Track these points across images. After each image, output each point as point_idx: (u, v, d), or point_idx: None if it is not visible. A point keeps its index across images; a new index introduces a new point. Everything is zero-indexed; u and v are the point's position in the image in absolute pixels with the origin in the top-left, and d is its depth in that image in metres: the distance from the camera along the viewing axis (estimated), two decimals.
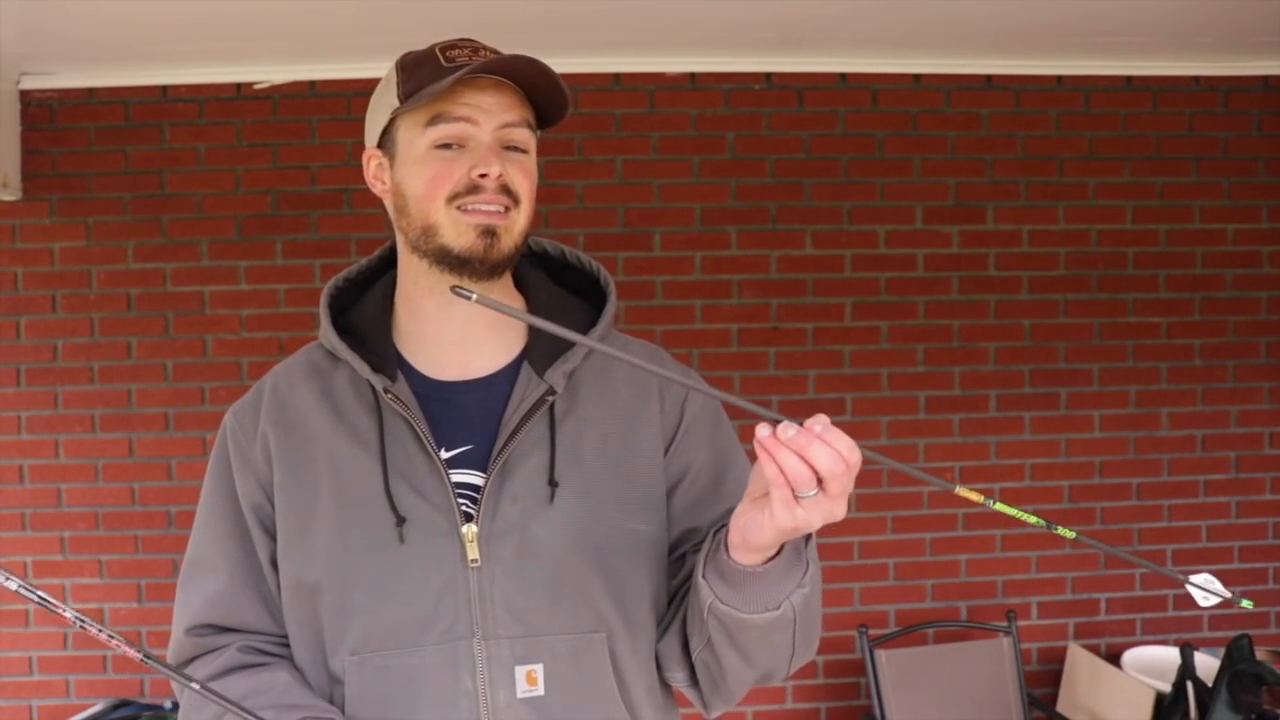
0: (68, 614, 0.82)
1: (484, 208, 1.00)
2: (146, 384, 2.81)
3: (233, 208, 2.80)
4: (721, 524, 1.00)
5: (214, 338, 2.81)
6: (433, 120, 1.01)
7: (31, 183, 2.77)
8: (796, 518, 0.82)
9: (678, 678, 1.09)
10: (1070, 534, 0.87)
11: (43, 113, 2.77)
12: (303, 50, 2.66)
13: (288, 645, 1.08)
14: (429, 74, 1.00)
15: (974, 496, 0.84)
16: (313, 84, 2.79)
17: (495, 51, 1.02)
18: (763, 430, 0.81)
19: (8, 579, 0.78)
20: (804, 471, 0.79)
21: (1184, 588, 0.88)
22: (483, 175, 0.99)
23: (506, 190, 1.01)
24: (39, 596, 0.80)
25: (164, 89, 2.79)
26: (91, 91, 2.78)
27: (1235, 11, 2.47)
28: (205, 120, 2.80)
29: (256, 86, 2.79)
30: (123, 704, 2.70)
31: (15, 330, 2.79)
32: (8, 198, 2.74)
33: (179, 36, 2.50)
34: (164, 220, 2.80)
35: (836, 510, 0.82)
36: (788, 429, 0.79)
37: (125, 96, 2.78)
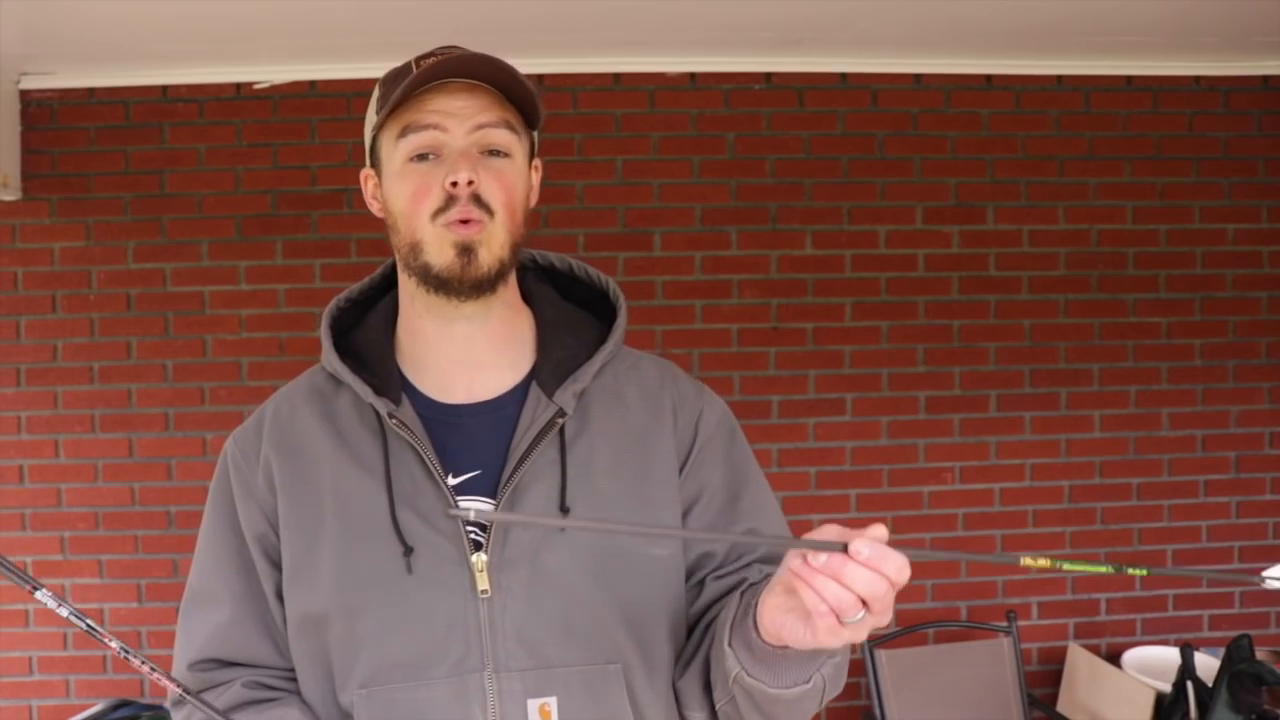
0: (113, 644, 0.81)
1: (460, 218, 0.96)
2: (146, 384, 2.81)
3: (233, 208, 2.80)
4: (749, 584, 0.96)
5: (214, 338, 2.81)
6: (403, 132, 0.98)
7: (31, 183, 2.77)
8: (842, 638, 0.78)
9: (697, 718, 1.04)
10: (1141, 571, 0.82)
11: (43, 113, 2.77)
12: (303, 50, 2.66)
13: (295, 679, 1.05)
14: (399, 85, 0.97)
15: (1042, 563, 0.79)
16: (313, 84, 2.79)
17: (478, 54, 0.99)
18: (794, 561, 0.77)
19: (60, 605, 0.77)
20: (847, 598, 0.75)
21: (1261, 583, 0.83)
22: (454, 184, 0.95)
23: (478, 201, 0.97)
24: (87, 625, 0.79)
25: (164, 89, 2.78)
26: (91, 91, 2.78)
27: (1235, 11, 2.46)
28: (205, 120, 2.79)
29: (256, 86, 2.79)
30: (123, 704, 2.70)
31: (15, 330, 2.79)
32: (8, 198, 2.74)
33: (179, 36, 2.50)
34: (164, 220, 2.80)
35: (883, 621, 0.78)
36: (818, 557, 0.75)
37: (125, 96, 2.78)
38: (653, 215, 2.87)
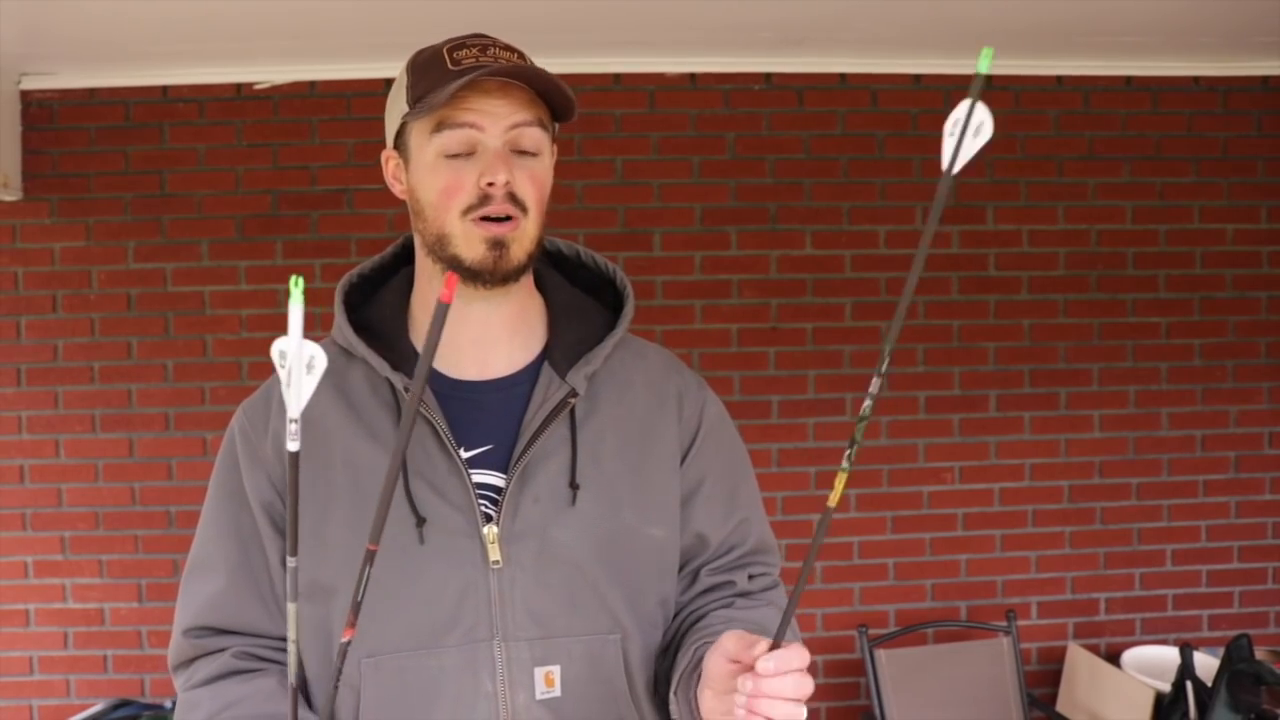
0: None
1: (494, 215, 0.99)
2: (146, 384, 2.81)
3: (233, 208, 2.80)
4: (735, 592, 1.06)
5: (214, 338, 2.81)
6: (438, 127, 0.99)
7: (32, 183, 2.77)
8: None
9: (663, 691, 1.11)
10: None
11: (43, 113, 2.78)
12: (303, 50, 2.66)
13: (285, 650, 1.06)
14: (435, 79, 0.98)
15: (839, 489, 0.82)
16: (313, 84, 2.79)
17: (507, 47, 1.01)
18: (740, 695, 0.84)
19: None
20: (793, 710, 0.82)
21: None
22: (490, 184, 0.97)
23: (513, 199, 0.99)
24: None
25: (164, 89, 2.79)
26: (92, 91, 2.78)
27: (1235, 11, 2.47)
28: (205, 120, 2.80)
29: (256, 86, 2.79)
30: (123, 704, 2.70)
31: (15, 330, 2.79)
32: (8, 198, 2.74)
33: (179, 36, 2.50)
34: (164, 220, 2.80)
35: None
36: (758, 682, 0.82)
37: (125, 96, 2.78)
38: (652, 215, 2.87)
